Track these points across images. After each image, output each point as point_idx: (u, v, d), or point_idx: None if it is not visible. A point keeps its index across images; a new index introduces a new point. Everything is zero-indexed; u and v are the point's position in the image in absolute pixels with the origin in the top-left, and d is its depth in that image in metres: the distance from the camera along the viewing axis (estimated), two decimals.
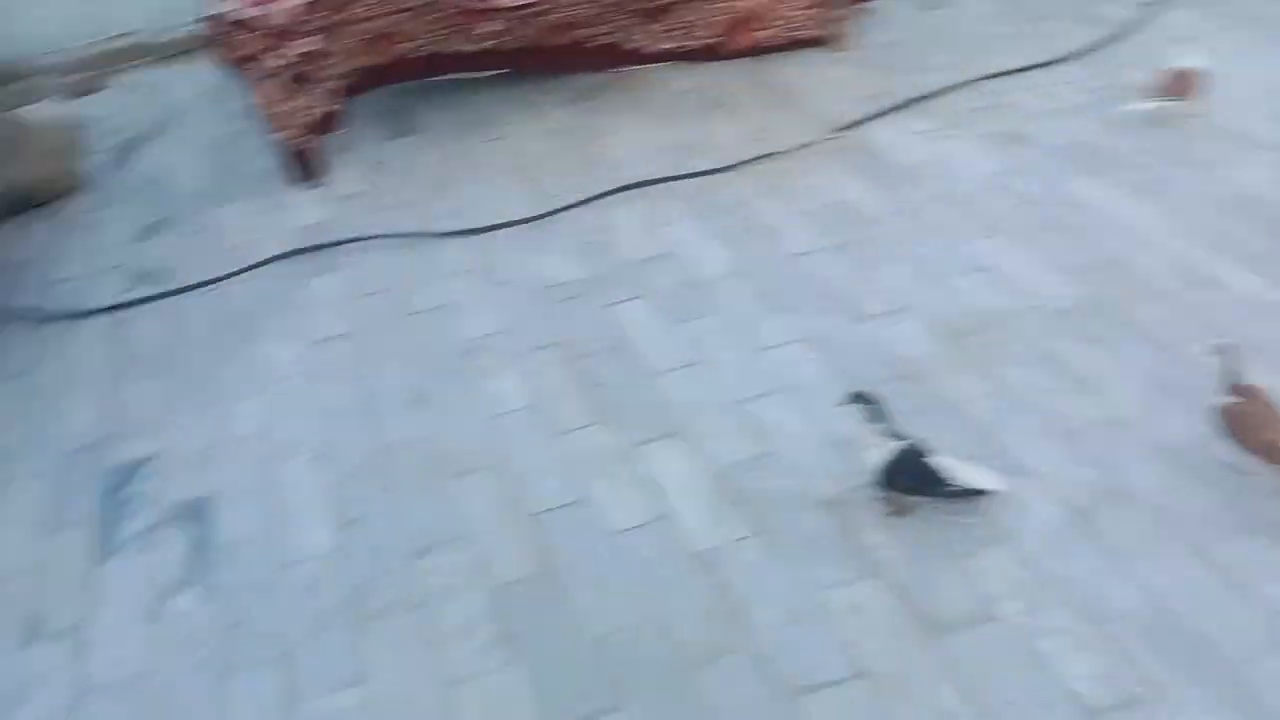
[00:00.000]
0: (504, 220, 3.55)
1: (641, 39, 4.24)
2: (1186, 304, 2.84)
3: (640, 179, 3.66)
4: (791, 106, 4.09)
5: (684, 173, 3.69)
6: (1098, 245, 3.11)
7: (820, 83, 4.24)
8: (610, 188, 3.64)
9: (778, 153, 3.77)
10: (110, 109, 4.82)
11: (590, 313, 3.06)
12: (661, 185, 3.64)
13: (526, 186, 3.76)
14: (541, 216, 3.56)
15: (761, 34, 4.35)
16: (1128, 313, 2.83)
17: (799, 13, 4.33)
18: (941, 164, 3.61)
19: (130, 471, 2.72)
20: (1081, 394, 2.60)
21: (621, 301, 3.10)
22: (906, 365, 2.74)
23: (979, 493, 2.28)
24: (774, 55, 4.39)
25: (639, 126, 4.04)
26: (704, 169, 3.70)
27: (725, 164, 3.71)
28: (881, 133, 3.85)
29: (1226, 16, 4.38)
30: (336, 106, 3.93)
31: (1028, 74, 4.14)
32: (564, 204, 3.59)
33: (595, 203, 3.59)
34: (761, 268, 3.19)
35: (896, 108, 3.98)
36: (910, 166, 3.62)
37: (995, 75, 4.13)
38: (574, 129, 4.09)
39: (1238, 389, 2.30)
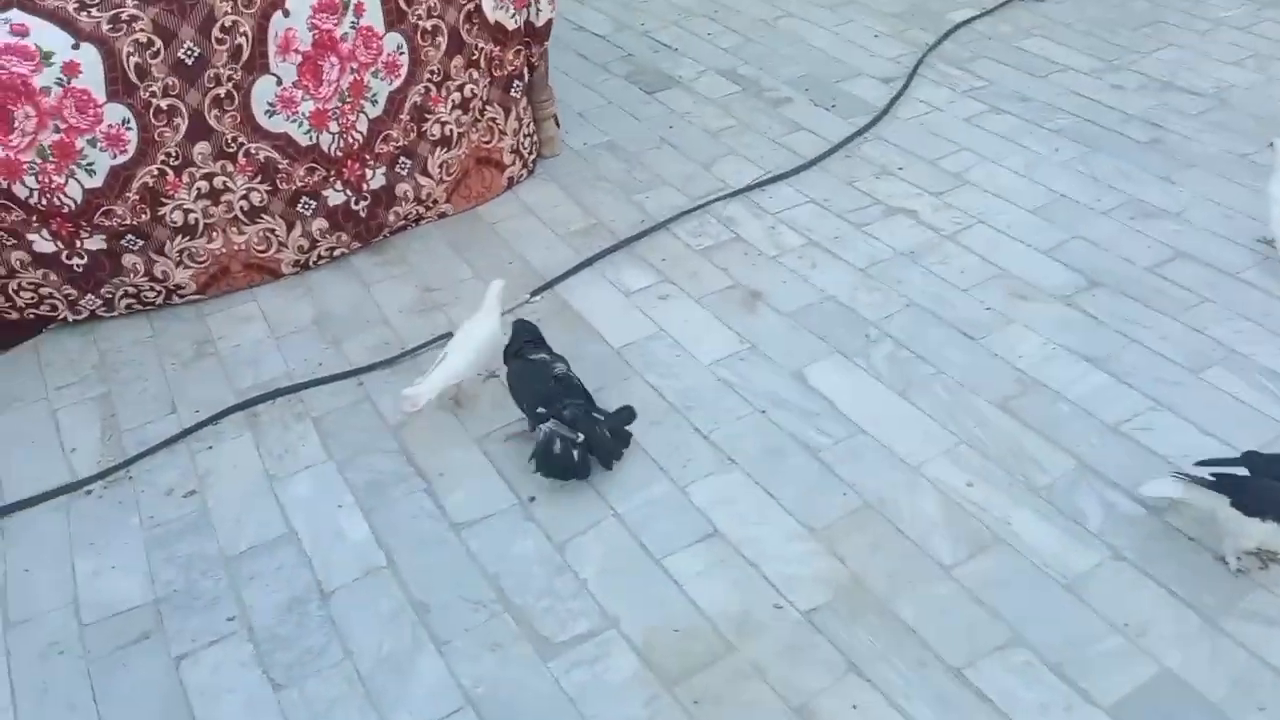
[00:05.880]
0: None
1: None
2: None
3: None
4: (480, 252, 3.16)
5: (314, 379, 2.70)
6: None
7: (518, 214, 3.32)
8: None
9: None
10: None
11: None
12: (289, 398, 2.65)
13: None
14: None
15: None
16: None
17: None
18: (655, 349, 2.74)
19: None
20: None
21: None
22: None
23: None
24: None
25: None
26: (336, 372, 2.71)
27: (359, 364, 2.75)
28: (583, 293, 2.96)
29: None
30: None
31: (765, 190, 3.34)
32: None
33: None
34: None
35: (605, 253, 3.09)
36: (620, 355, 2.73)
37: (724, 196, 3.31)
38: None
39: None
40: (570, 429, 2.25)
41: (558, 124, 3.63)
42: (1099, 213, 3.09)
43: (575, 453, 2.24)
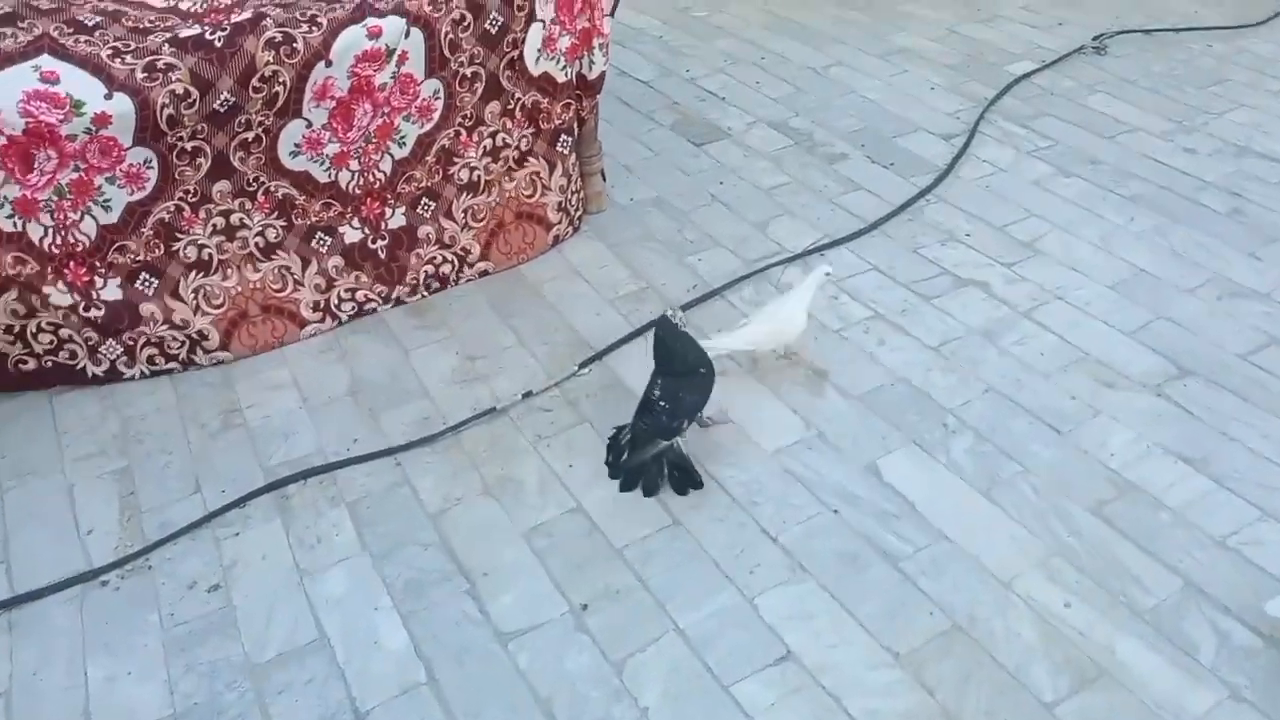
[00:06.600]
0: None
1: None
2: None
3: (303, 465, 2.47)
4: (524, 316, 2.98)
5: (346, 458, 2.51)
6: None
7: (564, 274, 3.15)
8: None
9: (481, 416, 2.63)
10: None
11: None
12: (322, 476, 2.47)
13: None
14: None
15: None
16: None
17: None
18: (714, 432, 2.56)
19: None
20: None
21: None
22: None
23: None
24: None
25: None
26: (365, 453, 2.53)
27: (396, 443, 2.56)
28: (638, 364, 2.78)
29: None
30: None
31: (824, 254, 3.16)
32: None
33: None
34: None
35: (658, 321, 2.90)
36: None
37: (781, 261, 3.14)
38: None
39: None
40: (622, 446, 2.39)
41: (604, 178, 3.46)
42: (1183, 291, 2.90)
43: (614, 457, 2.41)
